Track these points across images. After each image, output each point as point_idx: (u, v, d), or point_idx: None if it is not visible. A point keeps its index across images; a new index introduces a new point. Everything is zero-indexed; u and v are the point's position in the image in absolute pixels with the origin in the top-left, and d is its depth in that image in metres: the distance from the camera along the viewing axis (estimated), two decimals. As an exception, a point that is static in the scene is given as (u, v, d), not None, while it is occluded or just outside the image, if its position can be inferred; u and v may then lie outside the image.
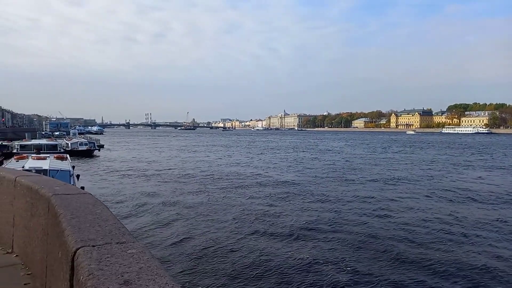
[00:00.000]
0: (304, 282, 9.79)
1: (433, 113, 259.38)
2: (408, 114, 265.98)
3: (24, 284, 3.31)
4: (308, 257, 11.49)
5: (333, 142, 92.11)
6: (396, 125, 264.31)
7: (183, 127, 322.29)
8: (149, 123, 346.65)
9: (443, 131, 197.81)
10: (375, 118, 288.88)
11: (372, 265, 11.04)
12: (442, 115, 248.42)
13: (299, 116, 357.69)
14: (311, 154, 53.71)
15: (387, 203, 19.63)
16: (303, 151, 61.87)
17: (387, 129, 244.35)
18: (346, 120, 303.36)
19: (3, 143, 43.62)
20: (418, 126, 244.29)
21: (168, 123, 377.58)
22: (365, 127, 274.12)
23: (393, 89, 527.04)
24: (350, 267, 10.80)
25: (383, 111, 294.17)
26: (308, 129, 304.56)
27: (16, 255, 3.99)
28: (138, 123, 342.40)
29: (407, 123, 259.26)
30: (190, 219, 15.91)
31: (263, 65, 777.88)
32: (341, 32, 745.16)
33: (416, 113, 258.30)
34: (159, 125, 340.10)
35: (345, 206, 18.87)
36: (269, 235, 13.87)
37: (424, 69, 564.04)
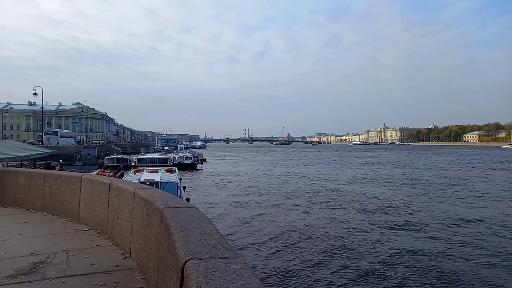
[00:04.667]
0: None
1: None
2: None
3: (139, 287, 3.66)
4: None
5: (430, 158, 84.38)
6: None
7: (278, 142, 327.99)
8: (246, 138, 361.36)
9: None
10: (492, 131, 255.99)
11: None
12: None
13: (400, 129, 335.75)
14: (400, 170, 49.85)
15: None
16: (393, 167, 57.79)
17: (492, 144, 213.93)
18: (456, 133, 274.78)
19: (123, 157, 49.63)
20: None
21: (264, 138, 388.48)
22: (479, 141, 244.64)
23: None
24: None
25: (502, 123, 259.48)
26: (411, 143, 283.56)
27: (133, 260, 4.46)
28: (237, 138, 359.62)
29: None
30: (281, 235, 15.96)
31: (366, 77, 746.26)
32: (459, 36, 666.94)
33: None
34: (256, 140, 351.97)
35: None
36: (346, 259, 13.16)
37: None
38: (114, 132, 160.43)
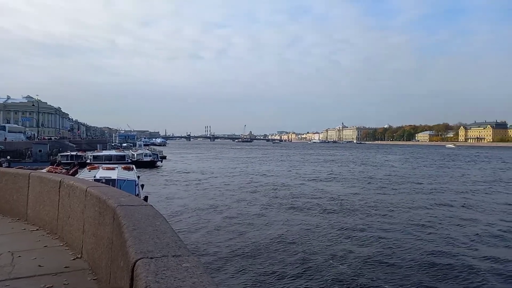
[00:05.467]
0: None
1: (508, 125, 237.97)
2: (479, 127, 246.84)
3: (90, 288, 3.54)
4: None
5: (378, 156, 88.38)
6: (465, 139, 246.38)
7: (240, 140, 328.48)
8: (208, 135, 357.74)
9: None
10: (441, 131, 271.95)
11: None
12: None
13: (358, 128, 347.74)
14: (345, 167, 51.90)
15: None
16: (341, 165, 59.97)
17: (436, 143, 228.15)
18: (409, 133, 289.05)
19: (78, 154, 47.54)
20: (491, 140, 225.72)
21: (226, 136, 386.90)
22: (430, 141, 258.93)
23: (463, 101, 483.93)
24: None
25: (451, 124, 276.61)
26: (368, 142, 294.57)
27: (85, 260, 4.30)
28: (198, 135, 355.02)
29: (478, 136, 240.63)
30: (239, 232, 16.05)
31: (324, 78, 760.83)
32: (409, 42, 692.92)
33: (488, 126, 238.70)
34: (217, 137, 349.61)
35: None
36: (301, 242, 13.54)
37: (500, 80, 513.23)
38: (68, 128, 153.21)
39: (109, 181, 15.17)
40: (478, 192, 29.50)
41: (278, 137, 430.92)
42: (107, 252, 3.43)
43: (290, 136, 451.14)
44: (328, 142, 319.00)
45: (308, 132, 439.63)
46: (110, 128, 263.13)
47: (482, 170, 52.04)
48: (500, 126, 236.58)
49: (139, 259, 2.06)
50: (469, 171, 50.12)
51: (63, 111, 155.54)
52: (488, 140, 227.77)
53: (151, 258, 2.09)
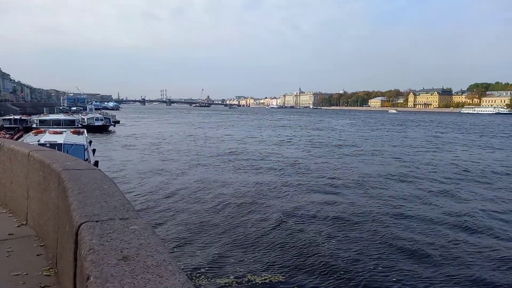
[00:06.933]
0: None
1: (453, 92, 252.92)
2: (426, 93, 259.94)
3: (37, 255, 3.43)
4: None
5: (332, 121, 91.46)
6: (414, 104, 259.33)
7: (197, 104, 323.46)
8: (164, 99, 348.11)
9: (462, 111, 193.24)
10: (393, 97, 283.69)
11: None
12: (462, 94, 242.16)
13: (314, 94, 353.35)
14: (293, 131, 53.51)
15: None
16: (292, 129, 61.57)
17: (370, 109, 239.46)
18: (362, 99, 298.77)
19: (22, 117, 44.54)
20: (437, 106, 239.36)
21: (183, 100, 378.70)
22: (381, 106, 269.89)
23: (414, 68, 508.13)
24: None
25: (402, 90, 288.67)
26: (324, 107, 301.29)
27: (30, 227, 4.14)
28: (154, 99, 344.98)
29: (426, 102, 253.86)
30: (193, 195, 16.14)
31: (283, 43, 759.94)
32: (368, 8, 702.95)
33: (435, 92, 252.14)
34: (174, 102, 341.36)
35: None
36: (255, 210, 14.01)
37: (450, 48, 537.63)
38: (10, 90, 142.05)
39: (55, 146, 14.38)
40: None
41: (236, 102, 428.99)
42: (53, 218, 3.32)
43: (248, 101, 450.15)
44: (286, 107, 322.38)
45: (266, 98, 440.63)
46: (57, 91, 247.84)
47: (396, 132, 58.51)
48: (445, 93, 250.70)
49: (84, 222, 2.02)
50: (387, 132, 56.56)
51: (3, 71, 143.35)
52: (435, 106, 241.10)
53: (97, 221, 2.04)
